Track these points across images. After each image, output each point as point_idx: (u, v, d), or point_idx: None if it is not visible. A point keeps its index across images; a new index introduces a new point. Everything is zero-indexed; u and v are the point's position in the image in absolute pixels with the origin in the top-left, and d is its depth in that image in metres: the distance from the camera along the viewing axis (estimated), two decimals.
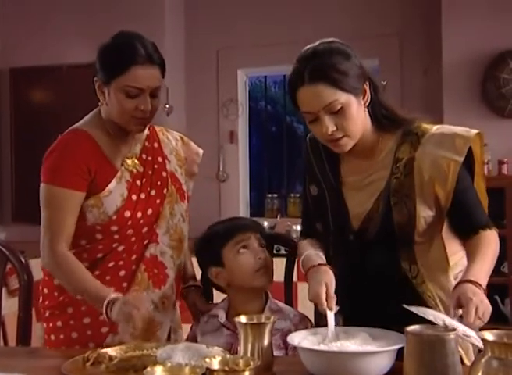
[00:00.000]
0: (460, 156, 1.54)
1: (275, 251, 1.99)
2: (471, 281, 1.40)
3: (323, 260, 1.61)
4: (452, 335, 1.05)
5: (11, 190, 4.83)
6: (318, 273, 1.54)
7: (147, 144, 1.87)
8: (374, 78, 1.61)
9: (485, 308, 1.34)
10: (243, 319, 1.40)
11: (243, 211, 4.91)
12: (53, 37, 4.76)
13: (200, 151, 2.04)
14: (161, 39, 4.52)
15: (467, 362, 1.46)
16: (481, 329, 1.19)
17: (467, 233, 1.58)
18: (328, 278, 1.51)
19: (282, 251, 2.09)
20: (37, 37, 4.79)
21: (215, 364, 1.24)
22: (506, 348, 1.04)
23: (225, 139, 4.81)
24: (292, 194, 4.95)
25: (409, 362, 1.07)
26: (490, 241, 1.55)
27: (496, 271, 1.62)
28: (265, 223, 4.47)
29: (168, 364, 1.27)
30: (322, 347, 1.33)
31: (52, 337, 1.81)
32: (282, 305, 1.82)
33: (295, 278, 2.04)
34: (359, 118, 1.55)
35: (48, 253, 1.71)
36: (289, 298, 2.00)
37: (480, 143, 1.60)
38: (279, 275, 2.01)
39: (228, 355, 1.31)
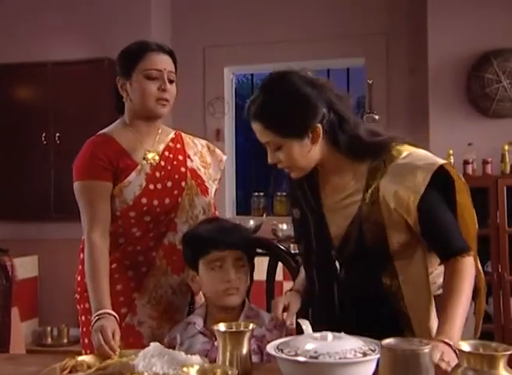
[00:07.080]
0: (418, 192, 1.50)
1: (259, 250, 1.99)
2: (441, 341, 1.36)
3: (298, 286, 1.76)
4: (426, 349, 1.04)
5: None
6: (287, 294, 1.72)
7: (170, 144, 2.04)
8: (342, 110, 1.56)
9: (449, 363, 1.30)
10: (221, 327, 1.38)
11: (230, 209, 4.89)
12: (37, 33, 4.71)
13: (224, 157, 2.18)
14: (148, 37, 4.48)
15: None
16: None
17: (441, 257, 1.57)
18: (289, 298, 1.68)
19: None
20: (22, 34, 4.74)
21: (193, 373, 1.23)
22: (481, 359, 1.03)
23: (212, 137, 4.76)
24: (278, 193, 4.93)
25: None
26: (463, 275, 1.49)
27: None
28: (251, 222, 4.46)
29: (145, 374, 1.26)
30: (301, 357, 1.31)
31: (83, 318, 1.93)
32: (258, 309, 1.82)
33: (281, 277, 2.04)
34: (304, 156, 1.56)
35: (85, 239, 1.86)
36: (271, 298, 1.98)
37: (453, 172, 1.55)
38: (262, 274, 2.01)
39: (206, 364, 1.31)
